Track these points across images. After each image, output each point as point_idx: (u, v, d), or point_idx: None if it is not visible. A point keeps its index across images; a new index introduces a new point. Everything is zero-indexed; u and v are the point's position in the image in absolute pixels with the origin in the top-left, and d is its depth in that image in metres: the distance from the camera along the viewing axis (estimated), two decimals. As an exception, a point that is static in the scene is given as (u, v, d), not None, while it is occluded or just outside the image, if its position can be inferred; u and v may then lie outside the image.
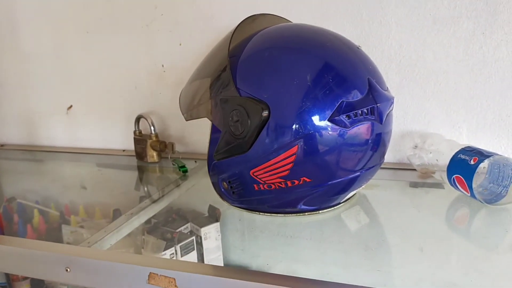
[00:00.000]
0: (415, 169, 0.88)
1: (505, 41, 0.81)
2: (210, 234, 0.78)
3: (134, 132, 1.08)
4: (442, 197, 0.81)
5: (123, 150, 1.18)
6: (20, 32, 1.21)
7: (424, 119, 0.90)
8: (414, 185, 0.88)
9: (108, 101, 1.17)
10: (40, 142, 1.30)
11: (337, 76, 0.65)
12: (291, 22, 0.82)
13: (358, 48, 0.72)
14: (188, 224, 0.79)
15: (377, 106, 0.66)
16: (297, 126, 0.64)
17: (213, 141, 0.74)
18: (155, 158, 1.06)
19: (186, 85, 0.83)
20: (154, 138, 1.05)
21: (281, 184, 0.68)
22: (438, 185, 0.85)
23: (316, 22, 0.89)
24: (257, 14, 0.78)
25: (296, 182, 0.67)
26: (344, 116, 0.64)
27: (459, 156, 0.74)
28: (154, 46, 1.08)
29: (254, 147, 0.66)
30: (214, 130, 0.73)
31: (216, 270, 0.59)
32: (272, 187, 0.69)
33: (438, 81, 0.87)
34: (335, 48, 0.69)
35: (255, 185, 0.70)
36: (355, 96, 0.65)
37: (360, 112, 0.65)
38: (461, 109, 0.87)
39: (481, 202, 0.71)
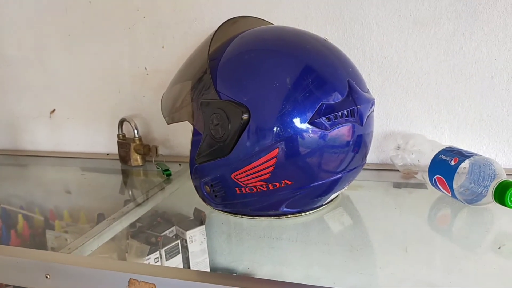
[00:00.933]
0: (398, 170, 0.88)
1: (485, 41, 0.82)
2: (196, 238, 0.77)
3: (118, 136, 1.07)
4: (425, 198, 0.82)
5: (107, 154, 1.17)
6: (1, 36, 1.20)
7: (407, 119, 0.90)
8: (397, 185, 0.88)
9: (92, 104, 1.16)
10: (24, 146, 1.29)
11: (317, 78, 0.65)
12: (272, 24, 0.82)
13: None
14: (173, 228, 0.79)
15: (357, 108, 0.66)
16: (277, 129, 0.64)
17: (194, 144, 0.73)
18: (139, 161, 1.05)
19: (167, 88, 0.83)
20: (137, 142, 1.04)
21: (263, 187, 0.68)
22: (421, 185, 0.85)
23: (298, 24, 0.90)
24: (238, 17, 0.78)
25: (278, 185, 0.67)
26: (324, 119, 0.64)
27: (440, 156, 0.74)
28: (137, 49, 1.07)
29: (235, 151, 0.66)
30: (196, 133, 0.73)
31: (197, 275, 0.59)
32: (254, 190, 0.68)
33: (420, 82, 0.88)
34: (315, 51, 0.69)
35: (237, 189, 0.69)
36: (335, 98, 0.65)
37: (340, 114, 0.65)
38: (442, 110, 0.87)
39: (462, 202, 0.71)
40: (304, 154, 0.65)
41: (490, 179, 0.70)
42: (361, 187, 0.86)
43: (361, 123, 0.68)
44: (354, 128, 0.67)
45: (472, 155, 0.70)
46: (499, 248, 0.63)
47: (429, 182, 0.76)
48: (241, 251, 0.68)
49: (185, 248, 0.73)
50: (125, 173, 1.07)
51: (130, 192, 1.00)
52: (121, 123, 1.07)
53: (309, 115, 0.64)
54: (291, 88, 0.64)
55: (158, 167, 1.00)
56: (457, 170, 0.70)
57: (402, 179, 0.88)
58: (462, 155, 0.71)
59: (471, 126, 0.87)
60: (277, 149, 0.64)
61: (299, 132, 0.64)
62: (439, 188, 0.74)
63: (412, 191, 0.86)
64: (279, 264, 0.63)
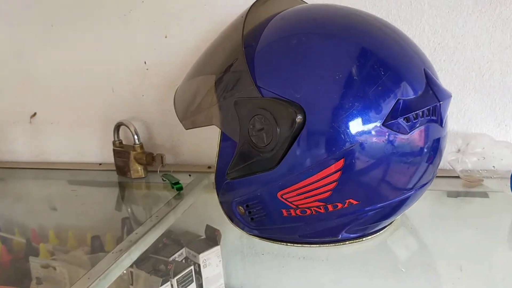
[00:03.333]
0: (458, 176, 0.75)
1: (562, 21, 0.69)
2: (210, 261, 0.64)
3: (114, 143, 0.91)
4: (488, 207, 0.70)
5: (100, 164, 1.01)
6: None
7: (464, 117, 0.77)
8: (452, 194, 0.75)
9: (80, 106, 0.99)
10: (0, 157, 1.11)
11: (390, 67, 0.51)
12: (307, 3, 0.67)
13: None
14: (183, 250, 0.66)
15: (440, 104, 0.52)
16: (343, 133, 0.49)
17: (223, 153, 0.58)
18: (141, 172, 0.89)
19: (182, 83, 0.67)
20: (138, 150, 0.88)
21: (320, 208, 0.53)
22: (481, 194, 0.72)
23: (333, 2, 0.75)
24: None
25: (340, 205, 0.52)
26: (402, 119, 0.49)
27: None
28: (134, 40, 0.91)
29: (284, 163, 0.51)
30: (225, 139, 0.57)
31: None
32: (307, 213, 0.53)
33: (481, 72, 0.74)
34: (380, 33, 0.54)
35: (283, 211, 0.54)
36: (414, 92, 0.51)
37: (420, 113, 0.51)
38: (508, 104, 0.74)
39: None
40: (377, 165, 0.50)
41: None
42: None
43: (441, 124, 0.54)
44: (434, 131, 0.53)
45: None
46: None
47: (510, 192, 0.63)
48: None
49: (198, 274, 0.63)
50: (124, 187, 0.91)
51: (130, 209, 0.85)
52: (117, 127, 0.91)
53: (384, 114, 0.49)
54: (359, 80, 0.49)
55: (164, 179, 0.85)
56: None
57: (464, 187, 0.74)
58: (557, 160, 0.58)
59: (542, 123, 0.74)
60: (342, 160, 0.49)
61: (371, 137, 0.49)
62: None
63: (470, 201, 0.73)
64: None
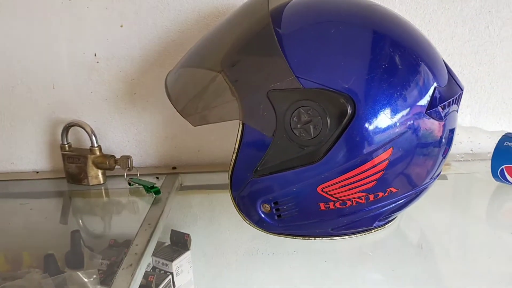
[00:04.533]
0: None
1: (511, 19, 0.78)
2: (183, 268, 0.61)
3: (62, 147, 0.79)
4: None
5: (37, 172, 0.87)
6: None
7: (428, 106, 0.82)
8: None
9: (12, 105, 0.84)
10: None
11: (423, 58, 0.52)
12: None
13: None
14: (150, 258, 0.61)
15: (462, 92, 0.55)
16: (392, 122, 0.49)
17: (246, 149, 0.54)
18: (100, 179, 0.79)
19: (180, 70, 0.61)
20: (98, 153, 0.77)
21: (361, 199, 0.52)
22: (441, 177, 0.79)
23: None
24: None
25: (381, 194, 0.52)
26: (440, 107, 0.51)
27: (505, 144, 0.67)
28: (81, 29, 0.79)
29: (331, 155, 0.50)
30: (250, 133, 0.53)
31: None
32: (348, 204, 0.53)
33: (443, 64, 0.80)
34: (406, 26, 0.55)
35: (321, 204, 0.53)
36: (443, 82, 0.53)
37: (451, 101, 0.53)
38: (465, 94, 0.80)
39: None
40: (419, 153, 0.52)
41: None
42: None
43: (457, 111, 0.57)
44: (455, 118, 0.56)
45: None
46: None
47: (489, 173, 0.69)
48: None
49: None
50: (77, 196, 0.80)
51: (79, 221, 0.75)
52: (66, 129, 0.79)
53: (426, 103, 0.51)
54: (403, 69, 0.50)
55: (133, 183, 0.76)
56: (539, 157, 0.64)
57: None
58: (534, 141, 0.65)
59: (492, 110, 0.83)
60: (390, 149, 0.50)
61: (417, 124, 0.50)
62: (506, 179, 0.68)
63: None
64: None
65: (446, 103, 0.52)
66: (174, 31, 0.79)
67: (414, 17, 0.78)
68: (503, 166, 0.67)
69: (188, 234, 0.65)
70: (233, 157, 0.55)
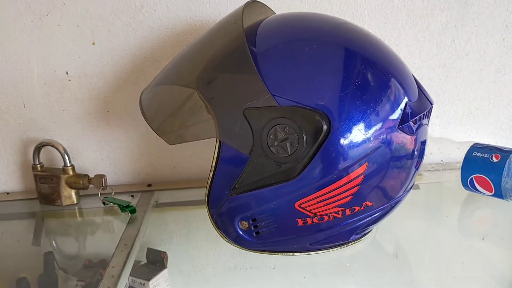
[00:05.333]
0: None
1: (475, 33, 0.81)
2: (160, 286, 0.61)
3: (34, 167, 0.78)
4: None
5: (7, 193, 0.85)
6: None
7: (399, 118, 0.84)
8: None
9: (-22, 126, 0.82)
10: None
11: (395, 74, 0.54)
12: (275, 13, 0.67)
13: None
14: (127, 279, 0.60)
15: (432, 107, 0.57)
16: (366, 138, 0.50)
17: (223, 167, 0.54)
18: (74, 199, 0.78)
19: (155, 88, 0.61)
20: (71, 172, 0.76)
21: (338, 214, 0.53)
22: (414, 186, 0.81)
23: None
24: (250, 1, 0.60)
25: (357, 208, 0.53)
26: (411, 122, 0.53)
27: (474, 154, 0.70)
28: (52, 48, 0.78)
29: (307, 172, 0.50)
30: (227, 151, 0.53)
31: None
32: (325, 219, 0.53)
33: (413, 78, 0.83)
34: (377, 42, 0.57)
35: (299, 220, 0.53)
36: (414, 96, 0.55)
37: (422, 115, 0.55)
38: (434, 105, 0.83)
39: (507, 200, 0.68)
40: (393, 166, 0.53)
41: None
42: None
43: (428, 125, 0.59)
44: (426, 131, 0.58)
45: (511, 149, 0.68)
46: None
47: (459, 182, 0.71)
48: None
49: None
50: (50, 217, 0.78)
51: (53, 242, 0.73)
52: (38, 149, 0.77)
53: (398, 118, 0.52)
54: (375, 85, 0.51)
55: (107, 202, 0.75)
56: (505, 167, 0.66)
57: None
58: (501, 151, 0.68)
59: (460, 121, 0.85)
60: (365, 164, 0.51)
61: (390, 140, 0.51)
62: (475, 188, 0.70)
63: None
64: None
65: (417, 117, 0.53)
66: (147, 48, 0.79)
67: (384, 32, 0.80)
68: (472, 176, 0.69)
69: (165, 252, 0.65)
70: (210, 175, 0.55)
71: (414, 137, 0.54)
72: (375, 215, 0.56)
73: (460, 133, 0.86)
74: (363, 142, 0.50)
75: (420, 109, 0.54)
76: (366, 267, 0.60)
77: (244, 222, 0.55)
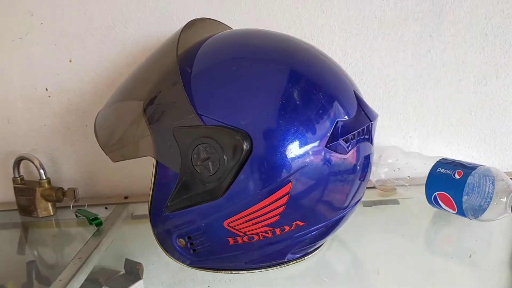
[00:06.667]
0: (370, 187, 0.79)
1: (452, 43, 0.77)
2: None
3: (14, 180, 0.81)
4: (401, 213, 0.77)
5: (-5, 204, 0.89)
6: None
7: (374, 131, 0.82)
8: (369, 204, 0.80)
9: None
10: None
11: (327, 91, 0.53)
12: (232, 28, 0.67)
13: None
14: None
15: (371, 124, 0.55)
16: (289, 158, 0.49)
17: (160, 185, 0.55)
18: (49, 210, 0.81)
19: (105, 109, 0.63)
20: (46, 185, 0.79)
21: (267, 233, 0.52)
22: (392, 201, 0.78)
23: (250, 27, 0.76)
24: (197, 19, 0.61)
25: (287, 228, 0.52)
26: (342, 140, 0.52)
27: (438, 170, 0.67)
28: (32, 65, 0.82)
29: (231, 191, 0.50)
30: (162, 169, 0.54)
31: None
32: (255, 239, 0.53)
33: (387, 90, 0.80)
34: (314, 58, 0.56)
35: (230, 239, 0.53)
36: (349, 114, 0.53)
37: (356, 133, 0.53)
38: (411, 118, 0.81)
39: (469, 218, 0.64)
40: (321, 186, 0.52)
41: (488, 189, 0.63)
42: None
43: (371, 141, 0.57)
44: (366, 149, 0.56)
45: (475, 166, 0.64)
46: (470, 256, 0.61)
47: (426, 199, 0.69)
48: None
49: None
50: (29, 228, 0.82)
51: (38, 252, 0.76)
52: (17, 162, 0.81)
53: (326, 137, 0.51)
54: (301, 104, 0.50)
55: (79, 215, 0.78)
56: (466, 185, 0.63)
57: (379, 196, 0.79)
58: (464, 167, 0.65)
59: (440, 133, 0.82)
60: (289, 184, 0.50)
61: (316, 159, 0.50)
62: (440, 206, 0.67)
63: (384, 209, 0.79)
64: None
65: (349, 135, 0.52)
66: (121, 64, 0.81)
67: (355, 44, 0.78)
68: (436, 193, 0.66)
69: (140, 263, 0.66)
70: (150, 192, 0.56)
71: (347, 155, 0.52)
72: (311, 234, 0.54)
73: (440, 146, 0.82)
74: (287, 162, 0.49)
75: (354, 127, 0.53)
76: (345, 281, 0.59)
77: (181, 240, 0.56)
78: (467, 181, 0.63)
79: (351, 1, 0.76)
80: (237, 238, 0.53)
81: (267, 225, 0.52)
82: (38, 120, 0.85)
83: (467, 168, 0.64)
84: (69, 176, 0.87)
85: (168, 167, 0.53)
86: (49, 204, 0.80)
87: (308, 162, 0.50)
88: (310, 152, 0.50)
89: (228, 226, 0.52)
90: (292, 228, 0.52)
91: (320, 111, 0.51)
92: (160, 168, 0.54)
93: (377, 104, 0.81)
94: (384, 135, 0.82)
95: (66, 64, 0.82)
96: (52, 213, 0.81)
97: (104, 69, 0.81)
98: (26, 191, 0.80)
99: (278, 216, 0.51)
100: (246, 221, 0.51)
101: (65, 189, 0.79)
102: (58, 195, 0.79)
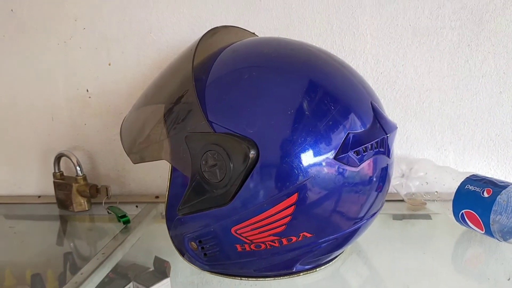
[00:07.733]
0: (400, 200, 0.77)
1: (493, 53, 0.73)
2: None
3: (54, 175, 0.86)
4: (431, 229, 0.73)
5: (39, 197, 0.95)
6: None
7: (406, 142, 0.79)
8: (399, 217, 0.77)
9: (17, 136, 0.93)
10: None
11: (340, 102, 0.52)
12: (257, 36, 0.68)
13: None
14: (130, 284, 0.63)
15: (387, 137, 0.54)
16: (295, 168, 0.49)
17: (174, 188, 0.57)
18: (84, 205, 0.85)
19: (129, 113, 0.65)
20: (81, 182, 0.84)
21: (274, 242, 0.52)
22: (425, 216, 0.75)
23: (280, 34, 0.76)
24: (219, 27, 0.62)
25: (294, 238, 0.52)
26: (353, 152, 0.50)
27: (466, 187, 0.63)
28: (75, 68, 0.87)
29: (238, 198, 0.50)
30: (176, 173, 0.56)
31: None
32: (262, 247, 0.53)
33: (421, 100, 0.77)
34: (329, 67, 0.55)
35: (237, 246, 0.53)
36: (362, 126, 0.52)
37: (369, 146, 0.52)
38: (446, 130, 0.78)
39: (498, 240, 0.61)
40: (329, 198, 0.51)
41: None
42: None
43: (389, 155, 0.55)
44: (382, 162, 0.54)
45: (508, 184, 0.60)
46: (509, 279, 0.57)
47: (453, 217, 0.65)
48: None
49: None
50: (66, 221, 0.86)
51: (73, 244, 0.80)
52: (57, 159, 0.86)
53: (335, 148, 0.50)
54: (310, 115, 0.50)
55: (110, 211, 0.81)
56: (495, 204, 0.59)
57: (408, 210, 0.77)
58: (494, 185, 0.61)
59: (478, 147, 0.78)
60: (295, 195, 0.49)
61: (323, 171, 0.49)
62: (467, 224, 0.63)
63: (415, 223, 0.76)
64: None
65: (361, 148, 0.51)
66: (156, 68, 0.84)
67: (388, 52, 0.76)
68: (463, 211, 0.63)
69: (168, 262, 0.67)
70: (166, 195, 0.58)
71: (358, 167, 0.51)
72: (319, 246, 0.54)
73: (478, 161, 0.78)
74: (292, 172, 0.49)
75: (367, 139, 0.51)
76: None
77: (193, 243, 0.57)
78: (496, 200, 0.59)
79: (384, 9, 0.74)
80: (244, 246, 0.53)
81: (273, 234, 0.51)
82: (79, 119, 0.89)
83: (498, 187, 0.60)
84: (105, 174, 0.91)
85: (181, 171, 0.54)
86: (84, 200, 0.85)
87: (315, 174, 0.49)
88: (318, 163, 0.49)
89: (236, 233, 0.52)
90: (300, 239, 0.52)
91: (330, 123, 0.50)
92: (174, 171, 0.56)
93: (410, 114, 0.78)
94: (417, 146, 0.79)
95: (105, 67, 0.86)
96: (86, 208, 0.85)
97: (140, 72, 0.85)
98: (64, 186, 0.85)
99: (284, 226, 0.51)
100: (253, 229, 0.51)
101: (99, 186, 0.83)
102: (92, 192, 0.83)
